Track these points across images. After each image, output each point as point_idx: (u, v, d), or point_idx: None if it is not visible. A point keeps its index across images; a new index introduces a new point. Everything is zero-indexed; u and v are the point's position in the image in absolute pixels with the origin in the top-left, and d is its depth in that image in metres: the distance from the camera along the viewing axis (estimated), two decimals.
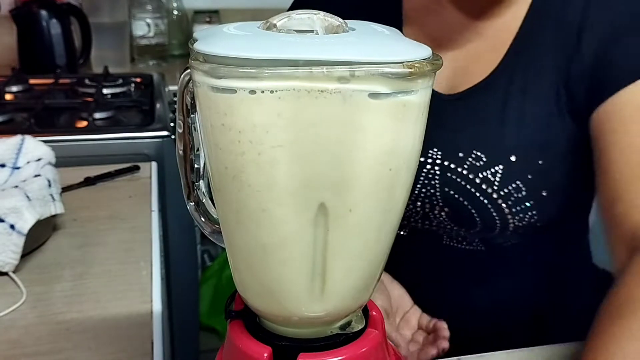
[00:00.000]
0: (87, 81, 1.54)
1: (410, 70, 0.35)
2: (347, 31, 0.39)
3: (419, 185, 0.73)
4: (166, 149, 1.20)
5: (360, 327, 0.44)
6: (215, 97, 0.36)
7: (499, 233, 0.72)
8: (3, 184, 0.86)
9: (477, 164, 0.70)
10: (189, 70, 0.41)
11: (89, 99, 1.41)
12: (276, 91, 0.34)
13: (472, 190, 0.70)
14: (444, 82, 0.72)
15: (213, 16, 2.03)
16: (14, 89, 1.49)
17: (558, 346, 0.66)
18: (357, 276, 0.42)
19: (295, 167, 0.36)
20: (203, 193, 0.49)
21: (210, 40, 0.37)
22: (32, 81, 1.54)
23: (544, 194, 0.69)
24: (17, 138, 0.89)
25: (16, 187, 0.79)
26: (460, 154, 0.70)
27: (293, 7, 0.85)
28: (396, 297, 0.75)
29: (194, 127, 0.46)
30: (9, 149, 0.88)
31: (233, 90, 0.35)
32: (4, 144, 0.89)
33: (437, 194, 0.72)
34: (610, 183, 0.62)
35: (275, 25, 0.39)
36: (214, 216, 0.49)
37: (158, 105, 1.38)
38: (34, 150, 0.88)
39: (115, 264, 0.78)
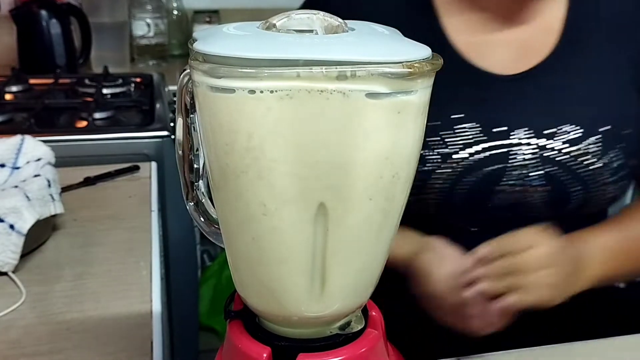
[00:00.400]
0: (87, 81, 1.54)
1: (409, 70, 0.35)
2: (347, 31, 0.39)
3: (510, 170, 0.71)
4: (166, 149, 1.20)
5: (359, 328, 0.44)
6: (215, 97, 0.36)
7: (589, 209, 0.72)
8: (3, 184, 0.86)
9: (573, 136, 0.70)
10: (188, 71, 0.41)
11: (89, 99, 1.41)
12: (276, 91, 0.34)
13: (571, 163, 0.70)
14: (499, 64, 0.73)
15: (213, 16, 2.03)
16: (14, 88, 1.49)
17: (558, 346, 0.66)
18: (357, 276, 0.42)
19: (294, 166, 0.36)
20: (202, 193, 0.49)
21: (210, 40, 0.37)
22: (32, 81, 1.54)
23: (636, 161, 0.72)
24: (17, 138, 0.89)
25: (16, 187, 0.79)
26: (550, 130, 0.70)
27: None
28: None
29: (194, 127, 0.46)
30: (9, 149, 0.88)
31: (232, 90, 0.35)
32: (3, 144, 0.89)
33: (533, 173, 0.71)
34: None
35: (274, 25, 0.39)
36: (214, 216, 0.49)
37: (158, 105, 1.38)
38: (34, 150, 0.88)
39: (115, 264, 0.78)
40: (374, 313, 0.47)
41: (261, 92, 0.34)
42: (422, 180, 0.71)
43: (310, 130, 0.35)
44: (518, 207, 0.73)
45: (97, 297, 0.71)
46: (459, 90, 0.72)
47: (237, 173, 0.37)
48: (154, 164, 1.11)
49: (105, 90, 1.47)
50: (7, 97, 1.44)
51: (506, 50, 0.73)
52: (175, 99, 1.45)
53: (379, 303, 0.49)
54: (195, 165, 0.48)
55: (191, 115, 0.45)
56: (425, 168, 0.71)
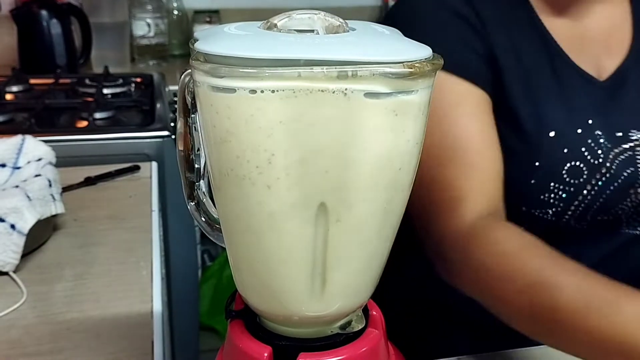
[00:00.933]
0: (87, 81, 1.54)
1: (410, 70, 0.35)
2: (348, 31, 0.39)
3: (623, 169, 0.69)
4: (166, 149, 1.20)
5: (360, 327, 0.44)
6: (216, 96, 0.36)
7: None
8: (3, 183, 0.86)
9: None
10: (189, 71, 0.41)
11: (89, 99, 1.41)
12: (277, 91, 0.34)
13: None
14: (592, 63, 0.72)
15: (213, 16, 2.03)
16: (14, 88, 1.49)
17: None
18: (358, 276, 0.42)
19: (295, 166, 0.36)
20: (203, 193, 0.49)
21: (211, 40, 0.37)
22: (32, 81, 1.54)
23: None
24: (18, 138, 0.89)
25: (17, 187, 0.79)
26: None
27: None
28: None
29: (195, 127, 0.46)
30: (10, 148, 0.88)
31: (233, 90, 0.35)
32: (4, 144, 0.89)
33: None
34: None
35: (275, 25, 0.39)
36: (215, 216, 0.49)
37: (158, 105, 1.38)
38: (35, 150, 0.88)
39: (115, 264, 0.78)
40: (374, 312, 0.47)
41: (262, 91, 0.34)
42: (571, 195, 0.69)
43: (311, 130, 0.35)
44: (638, 207, 0.72)
45: (97, 297, 0.71)
46: (577, 96, 0.71)
47: (238, 173, 0.37)
48: (154, 164, 1.11)
49: (105, 90, 1.47)
50: (8, 97, 1.44)
51: (593, 46, 0.72)
52: (175, 98, 1.45)
53: (379, 302, 0.49)
54: (196, 165, 0.48)
55: (192, 115, 0.46)
56: (576, 181, 0.69)
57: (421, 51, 0.37)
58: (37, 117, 1.27)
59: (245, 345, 0.43)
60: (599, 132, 0.69)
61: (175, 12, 2.06)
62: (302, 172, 0.36)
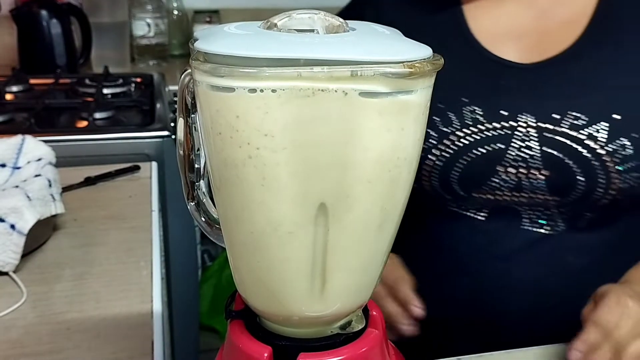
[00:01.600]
0: (87, 81, 1.54)
1: (410, 70, 0.35)
2: (348, 31, 0.39)
3: (512, 151, 0.71)
4: (166, 149, 1.20)
5: (360, 327, 0.44)
6: (216, 96, 0.36)
7: (593, 202, 0.71)
8: (3, 183, 0.86)
9: (577, 122, 0.69)
10: (189, 70, 0.41)
11: (89, 99, 1.41)
12: (277, 90, 0.34)
13: (576, 146, 0.69)
14: (517, 50, 0.73)
15: (213, 16, 2.03)
16: (14, 88, 1.49)
17: (556, 346, 0.66)
18: (358, 276, 0.42)
19: (295, 166, 0.36)
20: (203, 193, 0.49)
21: (211, 40, 0.37)
22: (32, 81, 1.54)
23: None
24: (18, 138, 0.89)
25: (17, 187, 0.79)
26: (555, 115, 0.70)
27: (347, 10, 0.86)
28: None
29: (195, 127, 0.46)
30: (10, 148, 0.88)
31: (233, 89, 0.35)
32: (4, 144, 0.89)
33: (537, 155, 0.70)
34: None
35: (276, 25, 0.39)
36: (214, 216, 0.49)
37: (158, 105, 1.38)
38: (35, 150, 0.88)
39: (115, 264, 0.78)
40: (374, 313, 0.47)
41: (262, 91, 0.34)
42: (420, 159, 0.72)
43: (311, 130, 0.35)
44: (521, 190, 0.72)
45: (97, 297, 0.71)
46: (471, 77, 0.73)
47: (237, 173, 0.37)
48: (154, 164, 1.11)
49: (105, 90, 1.47)
50: (8, 97, 1.44)
51: (525, 40, 0.74)
52: (175, 98, 1.45)
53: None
54: (196, 165, 0.48)
55: (192, 115, 0.45)
56: (424, 146, 0.71)
57: (421, 51, 0.37)
58: (37, 117, 1.27)
59: (245, 345, 0.43)
60: (477, 108, 0.71)
61: (175, 12, 2.06)
62: (302, 172, 0.36)
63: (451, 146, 0.72)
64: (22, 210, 0.74)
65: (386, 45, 0.38)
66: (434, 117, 0.71)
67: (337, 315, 0.43)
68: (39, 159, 0.86)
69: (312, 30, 0.38)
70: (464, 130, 0.71)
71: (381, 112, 0.36)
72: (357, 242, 0.40)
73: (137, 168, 1.07)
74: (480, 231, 0.76)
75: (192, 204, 0.49)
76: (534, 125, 0.70)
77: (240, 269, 0.43)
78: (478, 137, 0.71)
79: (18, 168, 0.87)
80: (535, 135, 0.70)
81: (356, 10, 0.84)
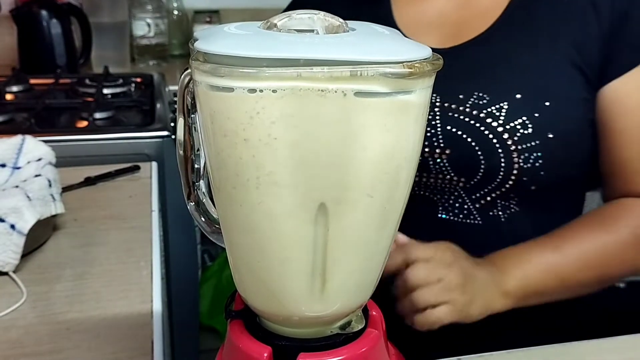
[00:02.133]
0: (87, 81, 1.54)
1: (410, 70, 0.35)
2: (348, 31, 0.39)
3: None
4: (166, 149, 1.20)
5: (360, 327, 0.44)
6: (216, 96, 0.36)
7: (499, 183, 0.71)
8: (3, 183, 0.86)
9: (480, 102, 0.71)
10: (189, 71, 0.41)
11: (90, 99, 1.41)
12: (276, 91, 0.34)
13: (477, 125, 0.70)
14: (437, 37, 0.77)
15: (213, 16, 2.03)
16: (15, 88, 1.49)
17: (557, 346, 0.66)
18: (358, 276, 0.42)
19: (295, 166, 0.36)
20: (203, 193, 0.49)
21: (211, 40, 0.37)
22: (32, 81, 1.54)
23: (550, 136, 0.70)
24: (18, 138, 0.89)
25: (17, 187, 0.79)
26: (461, 96, 0.72)
27: (291, 8, 0.85)
28: None
29: (195, 127, 0.46)
30: (10, 149, 0.88)
31: (233, 90, 0.35)
32: (4, 144, 0.89)
33: (439, 133, 0.72)
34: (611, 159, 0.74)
35: (275, 25, 0.39)
36: (214, 216, 0.49)
37: (158, 105, 1.38)
38: (35, 150, 0.88)
39: (115, 264, 0.78)
40: (374, 313, 0.47)
41: (262, 91, 0.34)
42: None
43: (310, 130, 0.35)
44: (429, 172, 0.74)
45: (97, 297, 0.71)
46: None
47: (237, 173, 0.37)
48: (154, 164, 1.11)
49: (105, 90, 1.47)
50: (8, 97, 1.44)
51: (445, 28, 0.77)
52: (175, 98, 1.45)
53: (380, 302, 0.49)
54: (196, 165, 0.48)
55: (192, 115, 0.46)
56: None
57: (421, 51, 0.37)
58: (37, 117, 1.27)
59: (245, 345, 0.43)
60: None
61: (175, 12, 2.06)
62: (302, 172, 0.36)
63: None
64: (22, 210, 0.74)
65: (386, 45, 0.38)
66: None
67: (337, 315, 0.43)
68: (39, 159, 0.86)
69: (312, 31, 0.39)
70: None
71: (381, 112, 0.36)
72: (357, 242, 0.40)
73: (137, 168, 1.07)
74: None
75: (192, 204, 0.49)
76: (439, 104, 0.72)
77: (240, 269, 0.43)
78: None
79: (18, 168, 0.87)
80: (439, 114, 0.72)
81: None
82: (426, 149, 0.72)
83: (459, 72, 0.73)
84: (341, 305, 0.42)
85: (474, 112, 0.70)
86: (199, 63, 0.36)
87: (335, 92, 0.34)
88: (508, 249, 0.71)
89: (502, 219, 0.75)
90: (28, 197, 0.76)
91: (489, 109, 0.70)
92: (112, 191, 1.00)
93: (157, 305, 0.70)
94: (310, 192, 0.37)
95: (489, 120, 0.70)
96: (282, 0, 0.89)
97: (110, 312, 0.69)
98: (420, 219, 0.77)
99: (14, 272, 0.75)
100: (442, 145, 0.72)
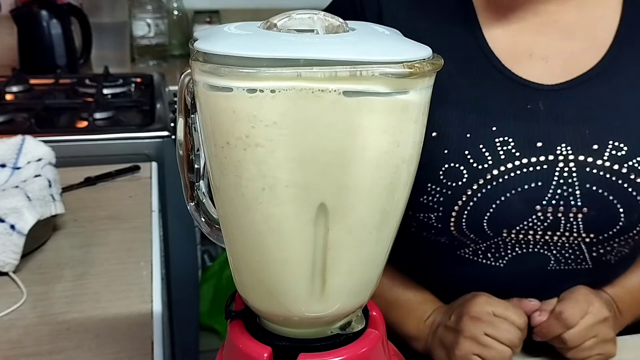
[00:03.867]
0: (87, 81, 1.54)
1: (410, 70, 0.35)
2: (348, 31, 0.39)
3: (551, 189, 0.65)
4: (166, 149, 1.20)
5: (360, 328, 0.44)
6: (216, 96, 0.36)
7: (630, 237, 0.67)
8: (3, 184, 0.86)
9: (619, 154, 0.64)
10: (189, 71, 0.41)
11: (90, 99, 1.41)
12: (276, 91, 0.34)
13: (619, 181, 0.64)
14: (544, 70, 0.67)
15: (213, 16, 2.03)
16: (15, 89, 1.49)
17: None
18: (357, 276, 0.42)
19: (295, 167, 0.36)
20: (203, 193, 0.49)
21: (211, 40, 0.37)
22: (32, 81, 1.54)
23: None
24: (18, 138, 0.89)
25: (16, 187, 0.79)
26: (595, 146, 0.64)
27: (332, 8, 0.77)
28: None
29: (194, 127, 0.46)
30: (10, 149, 0.88)
31: (233, 90, 0.35)
32: (4, 144, 0.89)
33: (577, 193, 0.65)
34: None
35: (275, 25, 0.39)
36: (214, 216, 0.49)
37: (158, 106, 1.38)
38: (35, 150, 0.88)
39: (115, 264, 0.78)
40: (374, 313, 0.47)
41: (261, 91, 0.34)
42: (449, 199, 0.66)
43: (310, 130, 0.35)
44: (557, 230, 0.67)
45: (97, 297, 0.71)
46: (496, 101, 0.66)
47: (238, 173, 0.37)
48: (154, 164, 1.11)
49: (105, 91, 1.47)
50: (8, 97, 1.44)
51: (550, 61, 0.68)
52: (175, 99, 1.45)
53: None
54: (196, 166, 0.48)
55: (192, 116, 0.45)
56: (453, 184, 0.65)
57: (421, 51, 0.37)
58: (37, 118, 1.27)
59: (245, 345, 0.43)
60: (509, 139, 0.65)
61: (176, 13, 2.06)
62: (302, 173, 0.36)
63: (486, 186, 0.65)
64: (22, 211, 0.74)
65: (386, 45, 0.38)
66: (464, 152, 0.64)
67: (337, 316, 0.43)
68: (39, 159, 0.86)
69: (312, 31, 0.38)
70: (500, 168, 0.64)
71: (381, 112, 0.36)
72: (357, 243, 0.40)
73: (137, 168, 1.07)
74: (499, 277, 0.70)
75: (192, 204, 0.49)
76: (573, 159, 0.64)
77: (240, 269, 0.43)
78: (514, 175, 0.64)
79: (18, 168, 0.88)
80: (575, 170, 0.65)
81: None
82: (560, 209, 0.65)
83: (584, 113, 0.65)
84: (341, 305, 0.42)
85: (615, 167, 0.64)
86: (198, 63, 0.36)
87: (335, 92, 0.34)
88: (624, 287, 0.73)
89: (612, 262, 0.71)
90: (28, 197, 0.76)
91: (630, 163, 0.64)
92: (112, 191, 1.00)
93: (157, 305, 0.70)
94: (310, 193, 0.37)
95: (632, 176, 0.64)
96: (282, 1, 0.88)
97: (110, 312, 0.69)
98: (527, 275, 0.71)
99: (14, 272, 0.75)
100: (579, 204, 0.65)
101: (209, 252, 2.07)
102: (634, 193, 0.64)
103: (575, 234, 0.67)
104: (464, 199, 0.65)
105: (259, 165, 0.36)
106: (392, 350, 0.49)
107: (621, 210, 0.65)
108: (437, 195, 0.65)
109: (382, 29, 0.42)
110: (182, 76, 0.44)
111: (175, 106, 0.47)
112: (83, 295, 0.72)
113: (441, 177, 0.64)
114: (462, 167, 0.64)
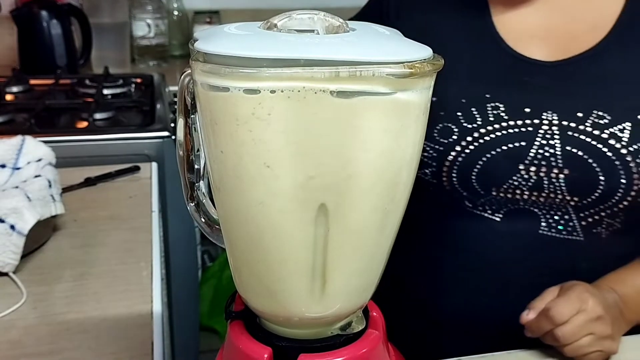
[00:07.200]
0: (87, 82, 1.54)
1: (410, 70, 0.35)
2: (348, 31, 0.39)
3: (533, 149, 0.70)
4: (166, 149, 1.20)
5: (360, 328, 0.44)
6: (216, 96, 0.36)
7: (614, 203, 0.71)
8: (3, 184, 0.86)
9: (601, 122, 0.69)
10: (189, 71, 0.41)
11: (90, 100, 1.41)
12: (276, 91, 0.34)
13: (599, 146, 0.69)
14: (544, 49, 0.74)
15: (213, 16, 2.03)
16: (15, 89, 1.49)
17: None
18: (358, 277, 0.42)
19: (295, 167, 0.36)
20: (203, 193, 0.49)
21: (211, 40, 0.37)
22: (32, 82, 1.54)
23: None
24: (18, 138, 0.89)
25: (17, 187, 0.79)
26: (579, 114, 0.69)
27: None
28: None
29: (195, 128, 0.46)
30: (10, 149, 0.88)
31: (233, 90, 0.35)
32: (4, 145, 0.89)
33: (558, 154, 0.70)
34: None
35: (276, 25, 0.39)
36: (214, 217, 0.49)
37: (158, 106, 1.38)
38: (35, 150, 0.88)
39: (115, 265, 0.78)
40: (374, 313, 0.47)
41: (262, 91, 0.34)
42: (441, 154, 0.72)
43: (310, 130, 0.35)
44: (541, 190, 0.72)
45: (97, 297, 0.71)
46: (496, 74, 0.73)
47: (237, 173, 0.37)
48: (154, 165, 1.11)
49: (105, 91, 1.47)
50: (8, 97, 1.44)
51: (551, 40, 0.74)
52: (175, 99, 1.45)
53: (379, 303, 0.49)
54: (196, 166, 0.48)
55: (192, 116, 0.45)
56: (445, 141, 0.72)
57: (421, 52, 0.37)
58: (37, 118, 1.27)
59: (245, 346, 0.43)
60: (500, 105, 0.71)
61: (176, 13, 2.06)
62: (302, 173, 0.36)
63: (473, 143, 0.71)
64: (22, 211, 0.74)
65: (386, 45, 0.38)
66: (457, 113, 0.72)
67: (338, 316, 0.43)
68: (39, 160, 0.86)
69: (312, 31, 0.38)
70: (487, 127, 0.71)
71: (381, 112, 0.36)
72: (358, 243, 0.40)
73: (137, 169, 1.07)
74: (497, 232, 0.75)
75: (192, 204, 0.49)
76: (557, 123, 0.70)
77: (240, 270, 0.43)
78: (500, 134, 0.71)
79: (18, 169, 0.87)
80: (558, 133, 0.70)
81: (377, 14, 0.84)
82: (543, 169, 0.70)
83: (574, 87, 0.71)
84: (341, 306, 0.42)
85: (595, 132, 0.69)
86: (199, 63, 0.36)
87: (336, 92, 0.34)
88: (627, 274, 0.74)
89: (603, 236, 0.74)
90: (28, 197, 0.76)
91: (612, 130, 0.68)
92: (112, 192, 1.00)
93: (157, 305, 0.70)
94: (310, 193, 0.37)
95: (611, 141, 0.68)
96: (282, 1, 0.89)
97: (110, 312, 0.69)
98: (521, 234, 0.75)
99: (14, 272, 0.75)
100: (560, 165, 0.70)
101: (209, 252, 2.07)
102: (613, 157, 0.68)
103: (560, 196, 0.71)
104: (453, 154, 0.71)
105: (259, 166, 0.36)
106: (392, 351, 0.49)
107: (601, 174, 0.69)
108: (431, 152, 0.72)
109: (383, 29, 0.42)
110: (182, 76, 0.44)
111: (175, 106, 0.47)
112: (83, 295, 0.72)
113: (435, 135, 0.72)
114: (453, 126, 0.72)
